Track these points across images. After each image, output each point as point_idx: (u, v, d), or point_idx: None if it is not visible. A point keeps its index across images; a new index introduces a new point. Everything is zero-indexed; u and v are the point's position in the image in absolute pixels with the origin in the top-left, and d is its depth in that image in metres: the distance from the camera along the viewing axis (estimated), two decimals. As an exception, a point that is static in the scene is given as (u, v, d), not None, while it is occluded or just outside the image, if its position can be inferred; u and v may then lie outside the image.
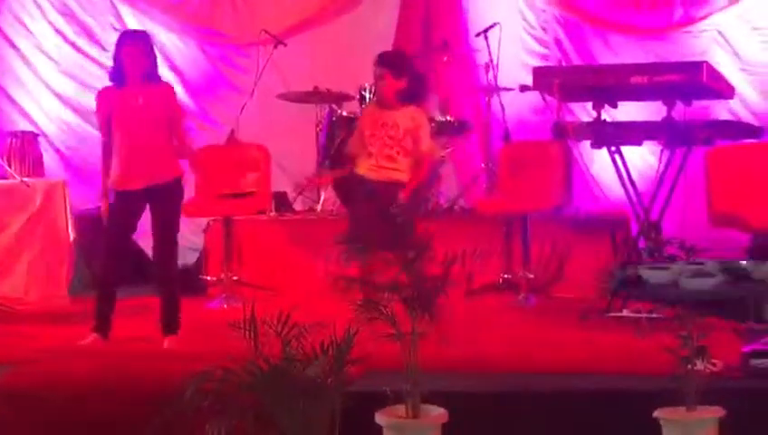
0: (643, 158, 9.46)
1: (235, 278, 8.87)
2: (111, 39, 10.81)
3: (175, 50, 10.91)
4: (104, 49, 10.85)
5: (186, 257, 9.96)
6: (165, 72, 10.79)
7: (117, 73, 7.11)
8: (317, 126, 10.04)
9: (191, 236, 10.02)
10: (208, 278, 9.12)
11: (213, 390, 4.28)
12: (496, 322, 7.71)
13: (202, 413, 4.26)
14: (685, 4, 10.14)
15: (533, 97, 9.66)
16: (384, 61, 7.76)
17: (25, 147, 9.40)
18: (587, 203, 9.78)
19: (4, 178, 8.80)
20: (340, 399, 4.57)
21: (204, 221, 9.52)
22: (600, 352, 6.46)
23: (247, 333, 4.51)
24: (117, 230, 7.17)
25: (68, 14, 10.97)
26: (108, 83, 7.20)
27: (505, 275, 8.82)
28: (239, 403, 4.26)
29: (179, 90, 10.79)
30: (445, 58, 9.95)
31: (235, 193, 9.03)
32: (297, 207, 10.18)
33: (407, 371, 5.16)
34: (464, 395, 5.66)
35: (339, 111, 9.79)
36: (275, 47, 10.22)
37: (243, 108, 9.74)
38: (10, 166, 9.04)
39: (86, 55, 10.93)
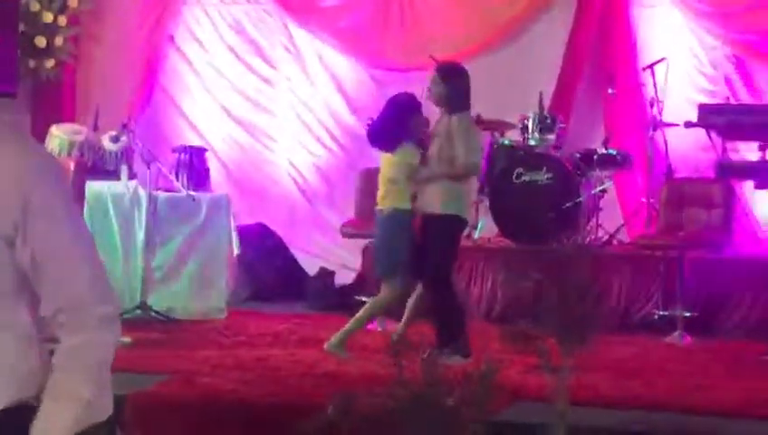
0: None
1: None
2: (282, 59, 11.08)
3: (342, 71, 11.04)
4: (274, 68, 11.06)
5: (343, 277, 10.09)
6: (331, 93, 11.00)
7: None
8: (479, 153, 10.04)
9: (348, 256, 10.13)
10: (363, 299, 9.17)
11: (355, 410, 4.32)
12: (649, 359, 7.62)
13: (342, 432, 4.30)
14: None
15: (698, 134, 9.54)
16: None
17: (193, 161, 9.61)
18: (748, 245, 9.56)
19: (172, 190, 9.00)
20: (483, 429, 4.55)
21: (362, 242, 9.59)
22: (756, 396, 6.33)
23: (392, 357, 4.53)
24: None
25: (241, 33, 11.20)
26: None
27: (661, 312, 8.70)
28: (380, 427, 4.29)
29: (344, 108, 10.95)
30: (610, 90, 9.87)
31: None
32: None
33: (557, 403, 5.14)
34: (612, 432, 5.62)
35: (500, 140, 9.80)
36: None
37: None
38: (177, 179, 9.24)
39: (256, 74, 11.15)
